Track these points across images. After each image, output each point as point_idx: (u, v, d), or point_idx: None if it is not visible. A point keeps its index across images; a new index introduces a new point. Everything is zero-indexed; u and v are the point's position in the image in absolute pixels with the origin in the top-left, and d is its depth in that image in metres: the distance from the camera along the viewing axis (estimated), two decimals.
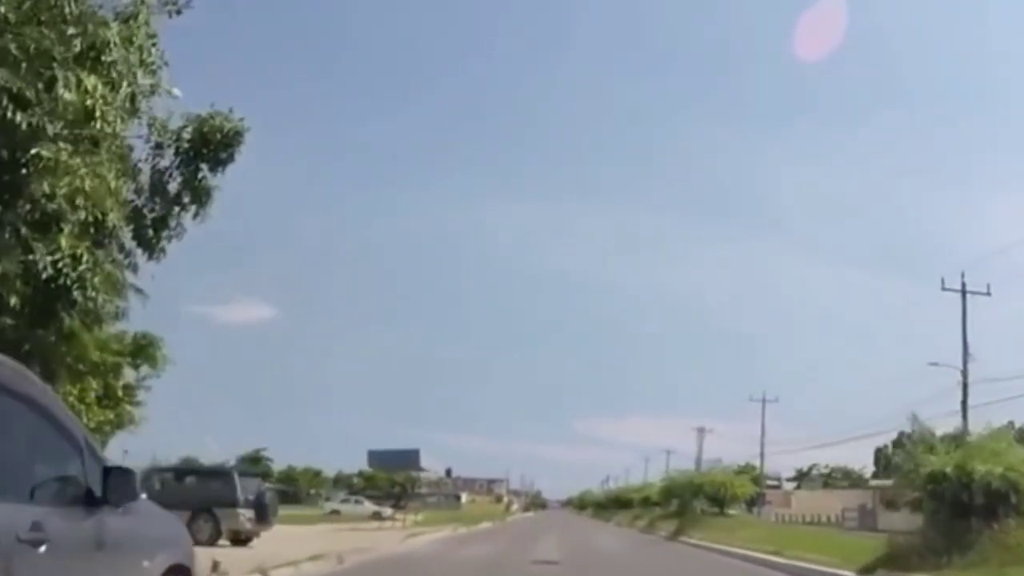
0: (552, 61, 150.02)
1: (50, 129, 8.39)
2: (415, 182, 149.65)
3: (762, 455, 67.22)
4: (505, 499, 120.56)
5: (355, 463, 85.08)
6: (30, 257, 8.40)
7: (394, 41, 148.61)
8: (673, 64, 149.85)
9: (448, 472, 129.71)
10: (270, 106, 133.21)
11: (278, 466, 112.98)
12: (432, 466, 35.86)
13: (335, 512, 46.63)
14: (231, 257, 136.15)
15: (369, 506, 53.60)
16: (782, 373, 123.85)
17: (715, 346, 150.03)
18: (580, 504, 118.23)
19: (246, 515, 18.55)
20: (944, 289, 33.96)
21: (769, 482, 69.17)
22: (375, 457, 32.37)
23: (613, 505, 71.62)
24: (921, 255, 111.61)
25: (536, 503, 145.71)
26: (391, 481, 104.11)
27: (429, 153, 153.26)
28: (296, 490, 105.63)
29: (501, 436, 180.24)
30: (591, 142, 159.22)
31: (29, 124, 8.13)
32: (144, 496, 4.91)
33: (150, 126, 10.72)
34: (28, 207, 8.66)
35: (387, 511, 53.99)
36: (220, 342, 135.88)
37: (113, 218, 9.11)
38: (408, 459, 32.31)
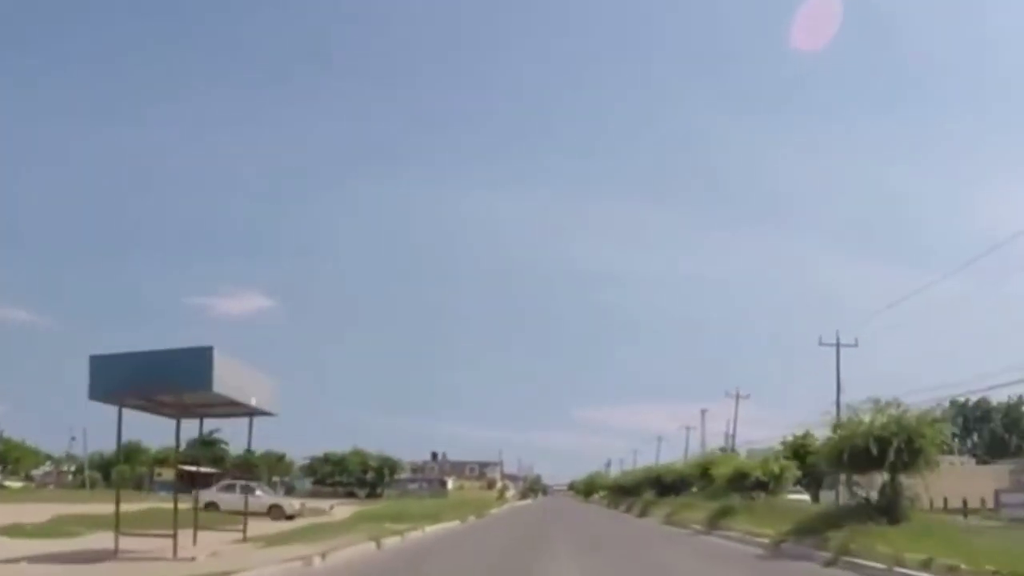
0: (555, 58, 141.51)
1: None
2: (416, 174, 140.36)
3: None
4: (499, 484, 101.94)
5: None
6: None
7: (400, 32, 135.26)
8: (679, 58, 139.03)
9: (434, 455, 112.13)
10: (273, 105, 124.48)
11: (235, 450, 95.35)
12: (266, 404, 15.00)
13: (211, 505, 27.07)
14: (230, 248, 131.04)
15: (264, 496, 33.93)
16: (781, 364, 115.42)
17: (714, 335, 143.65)
18: (587, 489, 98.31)
19: None
20: None
21: None
22: (103, 373, 11.48)
23: (643, 490, 51.12)
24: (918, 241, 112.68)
25: (535, 488, 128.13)
26: (364, 466, 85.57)
27: (431, 147, 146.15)
28: (256, 478, 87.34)
29: (498, 424, 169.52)
30: (591, 138, 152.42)
31: None
32: None
33: None
34: None
35: (295, 504, 34.55)
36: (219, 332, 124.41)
37: None
38: (183, 373, 11.16)
